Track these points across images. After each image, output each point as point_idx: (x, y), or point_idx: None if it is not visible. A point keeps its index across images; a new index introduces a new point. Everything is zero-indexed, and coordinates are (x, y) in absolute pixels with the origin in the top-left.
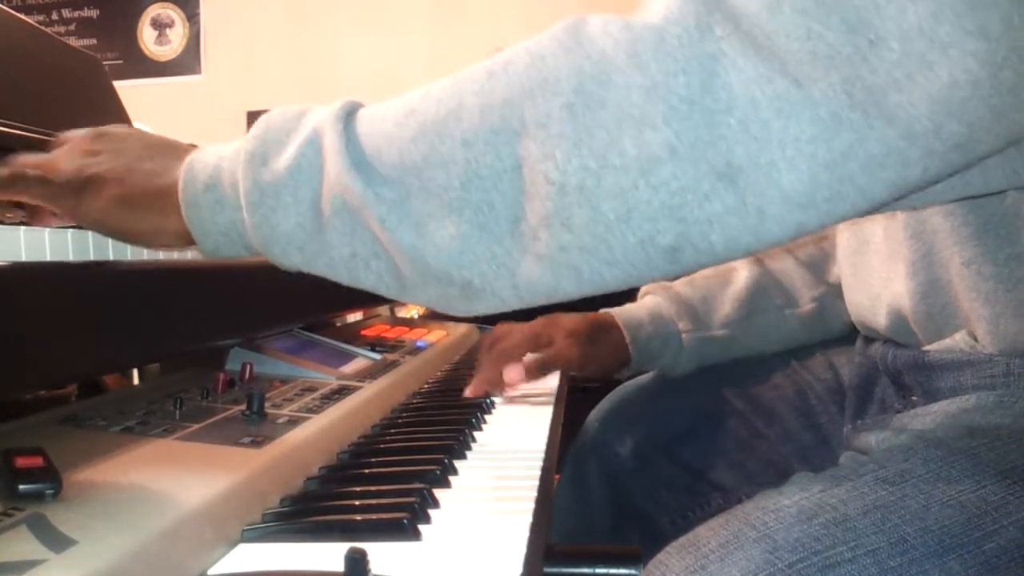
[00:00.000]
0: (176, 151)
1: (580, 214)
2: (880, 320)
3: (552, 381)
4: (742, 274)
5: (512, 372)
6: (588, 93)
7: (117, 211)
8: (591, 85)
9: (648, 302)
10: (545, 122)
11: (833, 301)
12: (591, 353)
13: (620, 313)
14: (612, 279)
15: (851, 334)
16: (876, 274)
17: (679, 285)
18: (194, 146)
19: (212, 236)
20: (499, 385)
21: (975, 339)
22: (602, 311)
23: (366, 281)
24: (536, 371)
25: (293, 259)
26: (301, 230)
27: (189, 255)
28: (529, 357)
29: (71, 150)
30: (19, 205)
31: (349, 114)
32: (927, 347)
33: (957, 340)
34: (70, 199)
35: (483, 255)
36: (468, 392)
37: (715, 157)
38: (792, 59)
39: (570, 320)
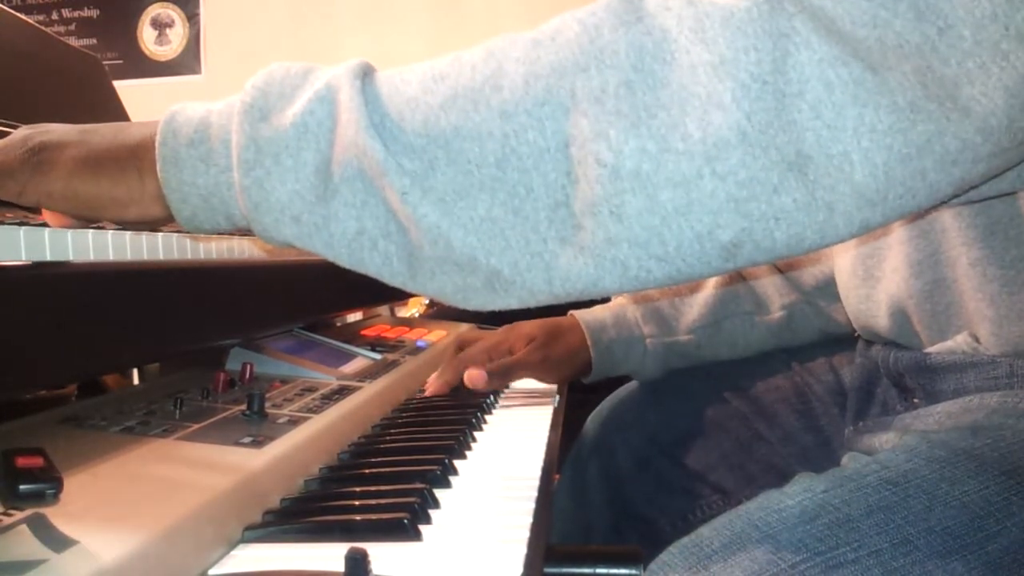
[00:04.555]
0: (135, 123)
1: (633, 203)
2: (881, 321)
3: None
4: (714, 279)
5: (473, 376)
6: (649, 71)
7: (81, 176)
8: (652, 62)
9: (613, 304)
10: (600, 98)
11: (803, 310)
12: (551, 358)
13: (583, 316)
14: (660, 275)
15: (851, 336)
16: (876, 275)
17: None
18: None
19: (191, 201)
20: (448, 388)
21: (977, 341)
22: (568, 313)
23: (370, 263)
24: (497, 377)
25: (285, 232)
26: (299, 198)
27: (189, 254)
28: (491, 363)
29: (9, 137)
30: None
31: (366, 73)
32: (929, 349)
33: (959, 342)
34: (21, 174)
35: (516, 242)
36: (428, 391)
37: (785, 145)
38: (862, 46)
39: (529, 327)
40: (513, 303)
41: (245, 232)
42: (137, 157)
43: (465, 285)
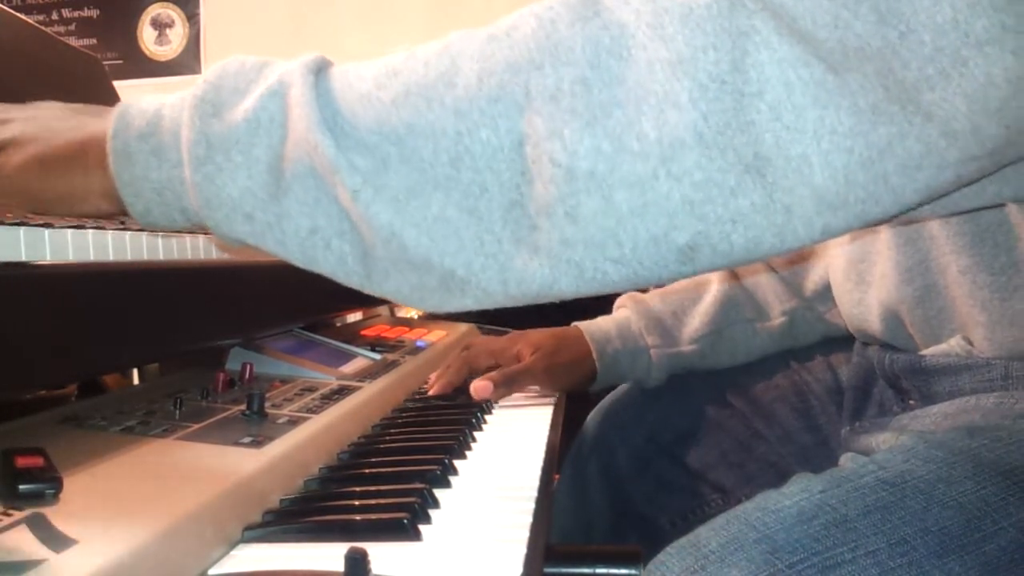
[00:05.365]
0: (104, 110)
1: (588, 203)
2: (874, 325)
3: None
4: (714, 287)
5: (479, 388)
6: (605, 67)
7: (32, 174)
8: (608, 59)
9: (618, 316)
10: (555, 95)
11: (804, 315)
12: (557, 368)
13: (588, 327)
14: (617, 278)
15: (849, 336)
16: (867, 279)
17: (651, 298)
18: None
19: (144, 196)
20: (451, 388)
21: (971, 344)
22: (572, 324)
23: (324, 263)
24: (502, 386)
25: (238, 229)
26: (251, 195)
27: (189, 254)
28: (496, 372)
29: None
30: None
31: (320, 68)
32: (924, 351)
33: (953, 345)
34: None
35: (470, 242)
36: (432, 391)
37: (743, 146)
38: (823, 47)
39: (537, 335)
40: (469, 304)
41: (202, 229)
42: (83, 152)
43: (421, 285)
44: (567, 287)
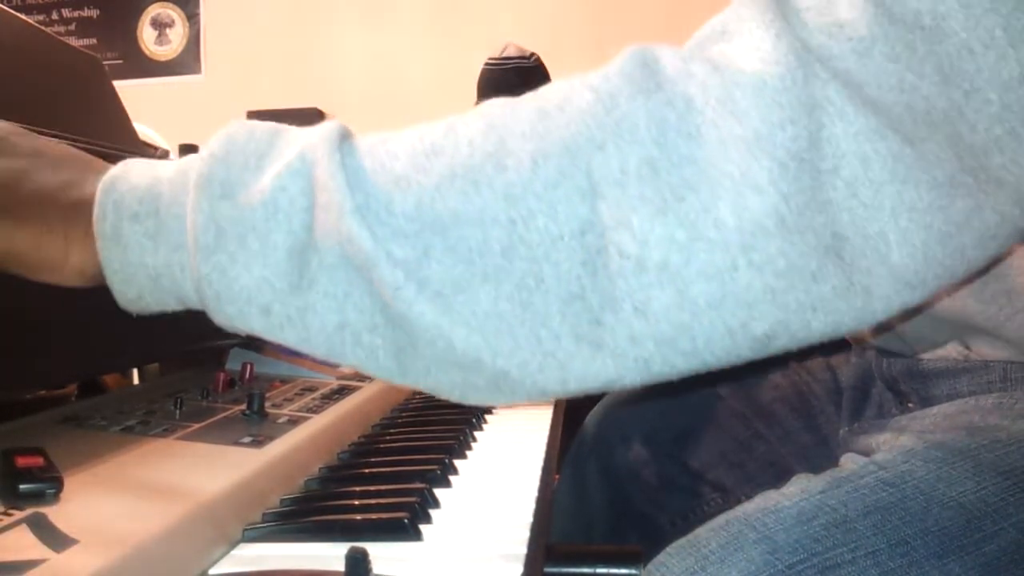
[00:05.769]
0: (89, 162)
1: (661, 298)
2: (869, 333)
3: None
4: None
5: None
6: (673, 147)
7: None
8: (676, 137)
9: None
10: (621, 180)
11: None
12: None
13: None
14: (684, 368)
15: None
16: None
17: None
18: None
19: (137, 281)
20: None
21: (968, 348)
22: None
23: (352, 357)
24: None
25: (253, 324)
26: (268, 286)
27: None
28: None
29: None
30: None
31: (343, 141)
32: (921, 356)
33: (950, 350)
34: None
35: (525, 340)
36: None
37: (821, 227)
38: (893, 113)
39: None
40: (519, 401)
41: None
42: (68, 219)
43: (465, 383)
44: (631, 381)
